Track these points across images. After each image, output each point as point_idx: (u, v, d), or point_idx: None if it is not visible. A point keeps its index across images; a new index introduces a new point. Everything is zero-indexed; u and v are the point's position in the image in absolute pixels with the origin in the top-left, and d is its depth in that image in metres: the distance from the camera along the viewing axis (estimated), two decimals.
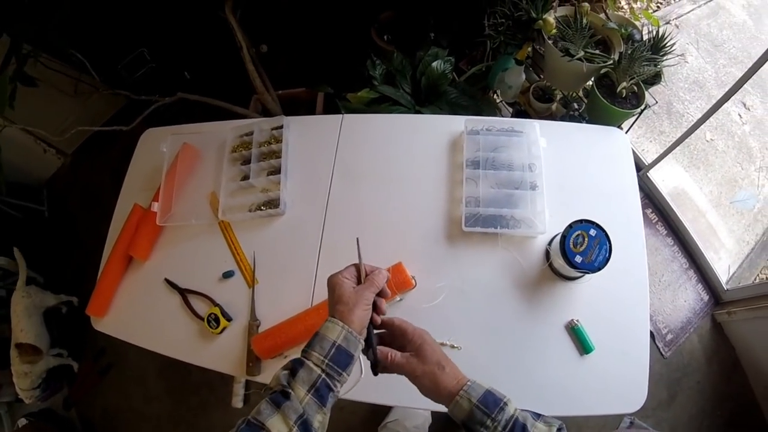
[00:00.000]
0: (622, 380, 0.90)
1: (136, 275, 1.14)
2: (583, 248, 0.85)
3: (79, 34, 1.73)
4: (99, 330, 1.10)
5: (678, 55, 1.30)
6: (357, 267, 0.68)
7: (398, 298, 0.94)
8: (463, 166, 0.98)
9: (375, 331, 0.66)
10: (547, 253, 0.94)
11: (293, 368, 0.58)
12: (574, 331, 0.90)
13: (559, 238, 0.88)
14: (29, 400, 1.84)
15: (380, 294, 0.67)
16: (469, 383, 0.58)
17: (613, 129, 1.12)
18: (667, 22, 2.34)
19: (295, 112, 1.68)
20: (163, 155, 1.18)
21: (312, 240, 1.03)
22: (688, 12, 2.44)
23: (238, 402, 1.73)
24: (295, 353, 0.94)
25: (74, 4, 1.45)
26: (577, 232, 0.86)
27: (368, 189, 1.07)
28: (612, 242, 0.85)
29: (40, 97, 1.93)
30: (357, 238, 0.72)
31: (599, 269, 0.84)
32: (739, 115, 2.19)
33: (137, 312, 1.10)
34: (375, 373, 0.63)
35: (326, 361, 0.58)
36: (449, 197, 1.01)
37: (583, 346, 0.90)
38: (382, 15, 1.71)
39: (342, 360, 0.59)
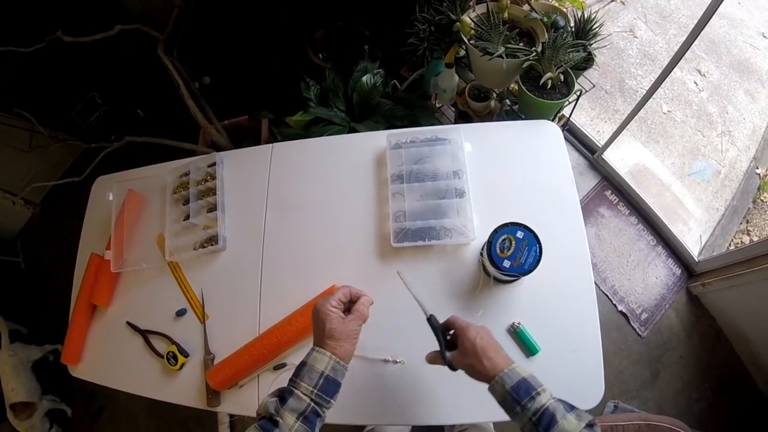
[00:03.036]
0: (575, 377, 0.88)
1: (101, 321, 1.16)
2: (510, 252, 0.85)
3: (24, 91, 1.76)
4: (76, 376, 1.13)
5: (607, 35, 1.30)
6: (343, 291, 0.71)
7: None
8: (388, 181, 0.99)
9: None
10: (481, 260, 0.94)
11: (282, 396, 0.61)
12: (517, 334, 0.90)
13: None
14: None
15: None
16: (506, 370, 0.63)
17: (544, 122, 1.11)
18: (612, 0, 2.34)
19: (243, 140, 1.69)
20: (112, 203, 1.19)
21: (253, 272, 1.04)
22: None
23: (224, 430, 1.74)
24: (248, 382, 0.97)
25: (15, 66, 1.47)
26: (503, 237, 0.86)
27: (301, 215, 1.07)
28: (547, 240, 0.84)
29: None
30: (398, 272, 0.82)
31: (530, 272, 0.84)
32: (695, 82, 2.19)
33: (107, 356, 1.12)
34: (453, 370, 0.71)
35: (315, 391, 0.61)
36: (378, 214, 1.02)
37: (527, 347, 0.89)
38: (316, 34, 1.72)
39: (330, 389, 0.62)
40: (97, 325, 1.15)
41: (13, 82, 1.77)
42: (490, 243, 0.86)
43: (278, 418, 0.57)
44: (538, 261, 0.84)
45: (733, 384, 1.70)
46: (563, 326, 0.91)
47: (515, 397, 0.60)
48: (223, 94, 1.82)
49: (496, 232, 0.87)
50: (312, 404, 0.60)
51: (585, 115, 2.09)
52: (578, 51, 1.20)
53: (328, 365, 0.63)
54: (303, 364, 0.64)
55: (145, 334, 1.08)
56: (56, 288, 2.24)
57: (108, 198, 1.21)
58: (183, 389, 1.00)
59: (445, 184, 0.97)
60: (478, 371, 0.66)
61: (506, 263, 0.84)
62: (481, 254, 0.95)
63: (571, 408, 0.60)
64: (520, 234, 0.86)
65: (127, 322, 1.11)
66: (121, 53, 1.78)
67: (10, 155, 2.04)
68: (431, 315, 0.77)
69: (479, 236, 0.94)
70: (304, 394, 0.60)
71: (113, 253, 1.14)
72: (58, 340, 2.07)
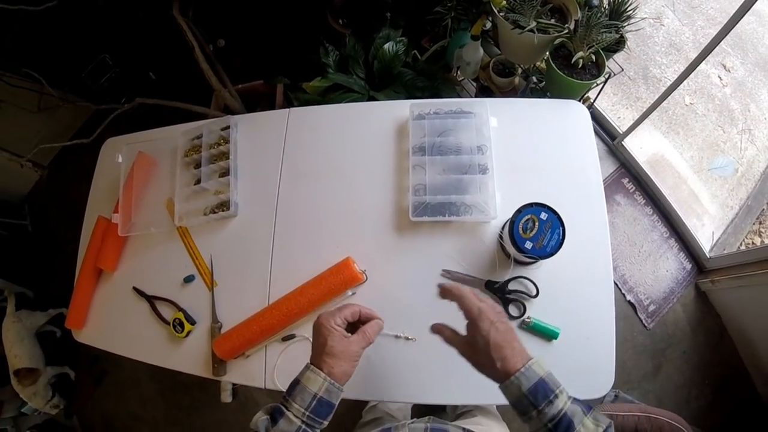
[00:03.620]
0: (587, 364, 0.86)
1: (107, 286, 1.15)
2: (533, 233, 0.82)
3: (33, 51, 1.72)
4: (80, 341, 1.12)
5: (640, 19, 1.25)
6: (352, 311, 0.66)
7: (350, 293, 0.93)
8: (409, 153, 0.95)
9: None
10: (501, 239, 0.92)
11: (273, 416, 0.58)
12: (531, 329, 0.87)
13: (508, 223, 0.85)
14: (55, 411, 1.91)
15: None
16: (523, 369, 0.55)
17: (571, 102, 1.07)
18: None
19: (256, 106, 1.65)
20: (120, 166, 1.17)
21: (264, 240, 1.02)
22: None
23: (227, 397, 1.75)
24: (255, 353, 0.96)
25: (24, 25, 1.43)
26: (526, 217, 0.83)
27: (317, 183, 1.04)
28: (568, 223, 0.81)
29: (5, 116, 1.93)
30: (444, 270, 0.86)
31: (551, 254, 0.81)
32: (719, 77, 2.13)
33: (112, 321, 1.11)
34: None
35: (307, 413, 0.58)
36: (397, 186, 0.99)
37: (545, 334, 0.87)
38: None
39: (323, 411, 0.59)
40: (102, 290, 1.14)
41: (23, 42, 1.73)
42: (512, 222, 0.83)
43: None
44: (561, 244, 0.81)
45: (732, 384, 1.70)
46: (579, 312, 0.89)
47: (532, 401, 0.53)
48: (238, 58, 1.77)
49: (520, 212, 0.84)
50: (303, 426, 0.57)
51: (607, 100, 2.05)
52: (611, 32, 1.16)
53: (322, 387, 0.59)
54: (296, 382, 0.61)
55: (151, 299, 1.07)
56: (63, 252, 2.23)
57: (117, 160, 1.18)
58: (188, 357, 1.00)
59: (468, 158, 0.94)
60: (488, 371, 0.59)
61: (528, 244, 0.81)
62: (501, 234, 0.92)
63: (589, 409, 0.55)
64: (544, 215, 0.83)
65: (134, 288, 1.10)
66: (134, 13, 1.72)
67: (18, 117, 2.01)
68: None
69: (500, 215, 0.91)
70: (296, 416, 0.57)
71: (121, 216, 1.12)
72: (64, 304, 2.08)
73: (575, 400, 0.56)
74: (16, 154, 2.12)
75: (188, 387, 1.88)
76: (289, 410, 0.58)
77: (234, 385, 1.79)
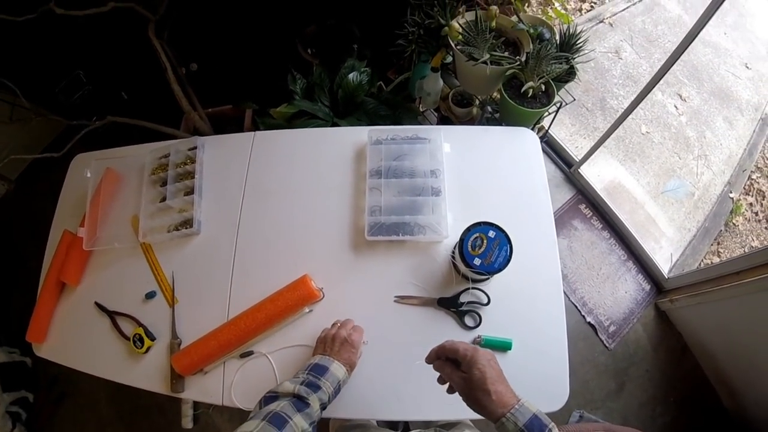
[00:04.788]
0: (542, 378, 0.89)
1: (69, 300, 1.14)
2: (482, 250, 0.87)
3: (9, 62, 1.73)
4: (40, 356, 1.10)
5: (590, 51, 1.34)
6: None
7: (307, 310, 0.95)
8: (367, 176, 1.00)
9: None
10: (453, 258, 0.96)
11: (310, 385, 0.70)
12: (484, 346, 0.89)
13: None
14: None
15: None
16: (516, 406, 0.58)
17: (523, 129, 1.14)
18: (601, 21, 2.41)
19: (225, 129, 1.69)
20: (89, 181, 1.18)
21: (225, 257, 1.04)
22: (623, 10, 2.53)
23: (188, 423, 1.70)
24: (213, 369, 0.96)
25: (2, 35, 1.44)
26: (475, 235, 0.88)
27: (278, 204, 1.08)
28: (519, 242, 0.86)
29: None
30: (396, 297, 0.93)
31: (499, 270, 0.86)
32: (675, 106, 2.26)
33: (73, 336, 1.10)
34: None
35: (332, 392, 0.72)
36: (354, 207, 1.03)
37: (499, 348, 0.90)
38: (307, 29, 1.74)
39: (335, 395, 0.74)
40: (64, 304, 1.13)
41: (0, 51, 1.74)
42: (462, 240, 0.88)
43: (309, 402, 0.66)
44: (509, 261, 0.86)
45: (697, 399, 1.74)
46: (531, 327, 0.92)
47: None
48: (210, 83, 1.82)
49: (469, 230, 0.89)
50: (327, 402, 0.70)
51: (565, 130, 2.15)
52: (561, 63, 1.24)
53: (345, 378, 0.77)
54: (326, 368, 0.74)
55: (112, 315, 1.07)
56: (25, 267, 2.18)
57: (86, 175, 1.19)
58: (147, 373, 0.99)
59: (422, 182, 0.99)
60: (484, 406, 0.60)
61: (477, 261, 0.86)
62: (453, 252, 0.96)
63: None
64: (492, 233, 0.88)
65: (96, 303, 1.09)
66: (110, 32, 1.76)
67: None
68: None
69: (452, 235, 0.95)
70: (326, 392, 0.71)
71: (87, 230, 1.12)
72: (25, 320, 2.01)
73: None
74: None
75: (148, 411, 1.82)
76: (323, 386, 0.71)
77: (195, 410, 1.75)
